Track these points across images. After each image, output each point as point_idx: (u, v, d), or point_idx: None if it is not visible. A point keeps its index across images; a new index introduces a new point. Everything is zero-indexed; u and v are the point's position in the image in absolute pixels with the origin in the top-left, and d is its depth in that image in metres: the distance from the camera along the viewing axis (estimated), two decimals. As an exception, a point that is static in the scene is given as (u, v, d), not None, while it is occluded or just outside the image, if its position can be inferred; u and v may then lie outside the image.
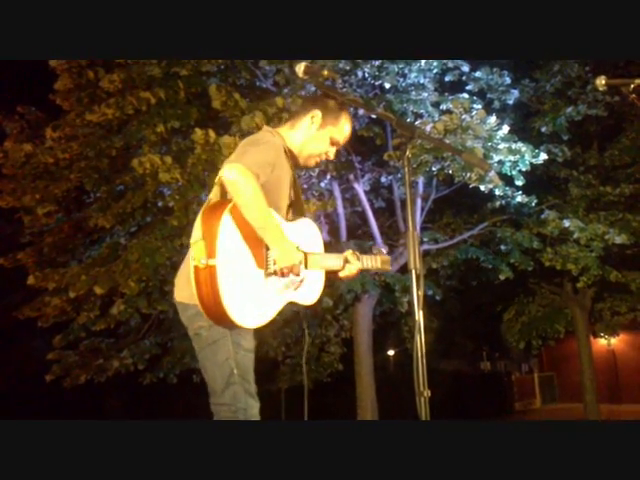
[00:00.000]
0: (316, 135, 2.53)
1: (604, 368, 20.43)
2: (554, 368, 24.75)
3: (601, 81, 2.70)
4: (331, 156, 2.61)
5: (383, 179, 10.37)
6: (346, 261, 2.64)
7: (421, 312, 2.28)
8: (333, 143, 2.56)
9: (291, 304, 2.44)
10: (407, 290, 10.75)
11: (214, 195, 2.31)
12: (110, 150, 7.31)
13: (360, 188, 9.54)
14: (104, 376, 9.26)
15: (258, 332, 2.37)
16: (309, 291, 2.50)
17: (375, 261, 2.85)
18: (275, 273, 2.25)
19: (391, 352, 22.81)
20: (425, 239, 10.13)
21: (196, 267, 2.10)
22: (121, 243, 7.84)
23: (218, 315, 2.11)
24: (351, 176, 9.42)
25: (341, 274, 2.66)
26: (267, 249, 2.24)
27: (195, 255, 2.10)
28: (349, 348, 11.46)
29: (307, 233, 2.55)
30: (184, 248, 7.23)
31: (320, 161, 2.65)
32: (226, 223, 2.14)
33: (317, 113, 2.52)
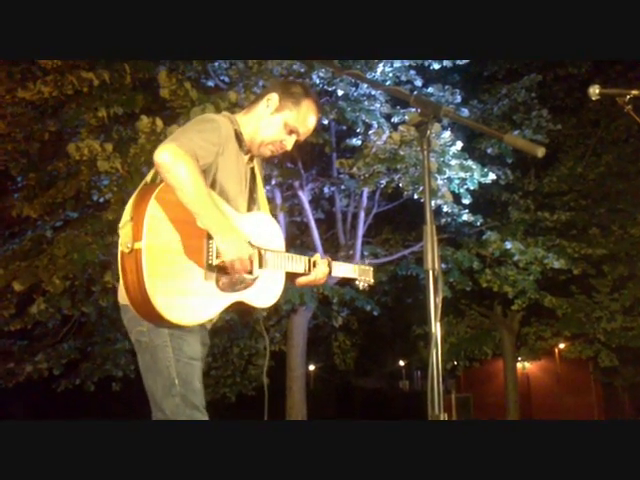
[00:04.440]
0: (269, 120, 2.26)
1: (519, 390, 21.02)
2: (470, 389, 25.24)
3: (595, 90, 2.58)
4: (288, 147, 2.32)
5: (326, 189, 10.15)
6: (313, 265, 2.38)
7: (439, 324, 1.99)
8: (291, 131, 2.28)
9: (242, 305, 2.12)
10: (345, 304, 10.55)
11: (150, 179, 2.05)
12: (42, 134, 6.68)
13: (305, 197, 9.24)
14: (13, 381, 8.51)
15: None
16: (264, 292, 2.20)
17: (351, 270, 2.62)
18: (218, 267, 2.00)
19: (312, 367, 22.58)
20: (366, 253, 9.96)
21: (122, 253, 1.89)
22: (46, 236, 7.16)
23: (144, 307, 1.89)
24: (296, 184, 9.11)
25: (305, 279, 2.40)
26: (209, 239, 1.99)
27: (122, 240, 1.90)
28: (277, 362, 11.14)
29: (265, 228, 2.26)
30: (117, 246, 6.66)
31: (277, 152, 2.36)
32: (153, 206, 1.90)
33: (273, 96, 2.27)
